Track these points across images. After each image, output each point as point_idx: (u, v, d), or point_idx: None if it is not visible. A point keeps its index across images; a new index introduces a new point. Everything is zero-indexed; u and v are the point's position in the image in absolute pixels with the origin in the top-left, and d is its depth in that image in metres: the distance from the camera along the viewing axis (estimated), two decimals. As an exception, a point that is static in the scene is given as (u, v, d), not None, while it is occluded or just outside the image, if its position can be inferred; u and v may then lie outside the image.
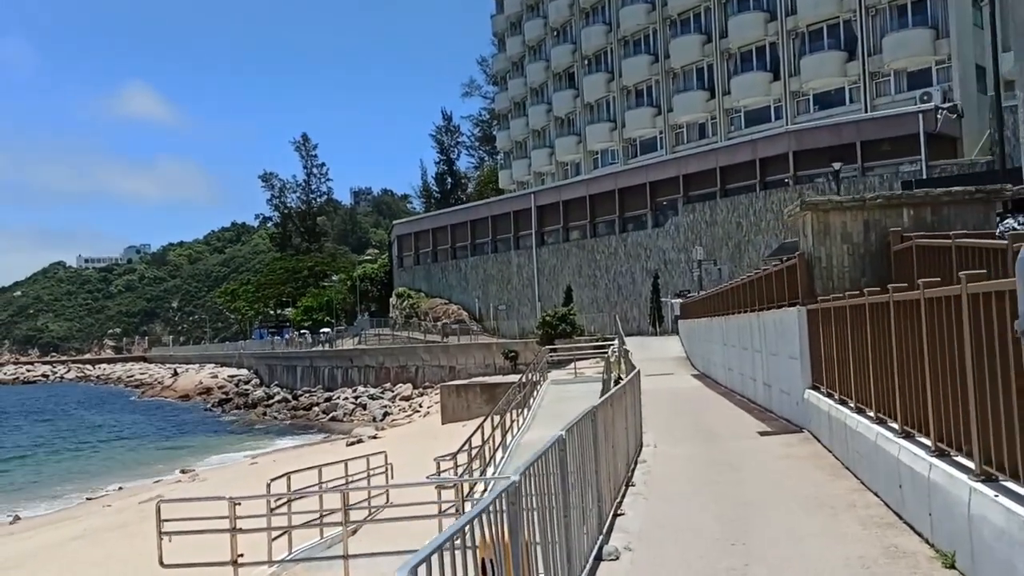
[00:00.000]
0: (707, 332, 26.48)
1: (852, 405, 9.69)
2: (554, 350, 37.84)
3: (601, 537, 6.95)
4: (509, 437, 19.76)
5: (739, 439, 12.80)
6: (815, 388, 12.70)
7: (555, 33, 69.87)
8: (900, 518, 7.15)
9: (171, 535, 10.56)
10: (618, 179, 55.48)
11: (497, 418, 19.16)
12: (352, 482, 15.25)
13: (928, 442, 6.60)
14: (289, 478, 12.49)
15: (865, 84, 46.59)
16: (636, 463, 11.17)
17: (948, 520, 5.81)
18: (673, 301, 46.28)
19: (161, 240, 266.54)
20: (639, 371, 13.11)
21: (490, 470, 16.09)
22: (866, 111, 45.38)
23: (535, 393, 27.64)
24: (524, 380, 25.46)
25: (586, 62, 65.56)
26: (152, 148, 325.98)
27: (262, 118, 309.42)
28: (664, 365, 29.55)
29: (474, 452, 14.98)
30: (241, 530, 10.56)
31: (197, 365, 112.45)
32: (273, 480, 11.78)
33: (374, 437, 33.46)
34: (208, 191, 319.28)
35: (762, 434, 13.09)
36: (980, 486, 5.19)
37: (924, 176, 36.98)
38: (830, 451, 10.79)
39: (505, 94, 79.50)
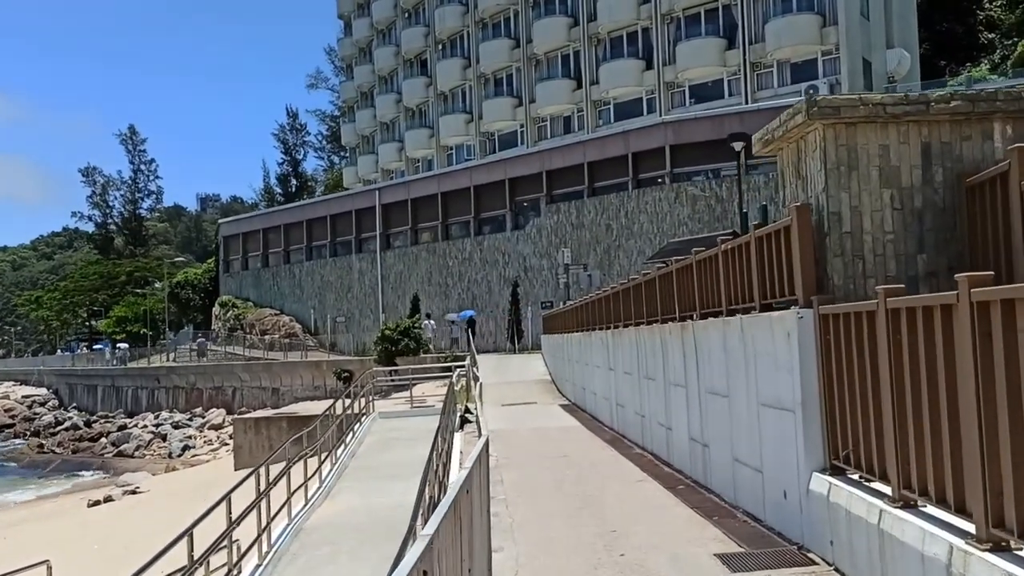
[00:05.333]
0: (582, 351, 20.12)
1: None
2: (395, 371, 31.70)
3: None
4: (287, 516, 12.55)
5: (689, 580, 6.21)
6: (838, 471, 6.34)
7: (406, 14, 62.80)
8: None
9: None
10: (474, 175, 48.92)
11: (281, 474, 12.08)
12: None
13: None
14: None
15: (746, 75, 42.17)
16: None
17: None
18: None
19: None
20: (487, 441, 6.27)
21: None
22: (747, 104, 40.87)
23: (352, 432, 20.51)
24: (330, 412, 18.28)
25: (440, 46, 58.89)
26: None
27: (105, 115, 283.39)
28: (526, 391, 23.84)
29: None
30: None
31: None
32: None
33: (134, 491, 24.93)
34: (41, 192, 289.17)
35: (726, 561, 6.56)
36: None
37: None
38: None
39: (351, 83, 71.72)
